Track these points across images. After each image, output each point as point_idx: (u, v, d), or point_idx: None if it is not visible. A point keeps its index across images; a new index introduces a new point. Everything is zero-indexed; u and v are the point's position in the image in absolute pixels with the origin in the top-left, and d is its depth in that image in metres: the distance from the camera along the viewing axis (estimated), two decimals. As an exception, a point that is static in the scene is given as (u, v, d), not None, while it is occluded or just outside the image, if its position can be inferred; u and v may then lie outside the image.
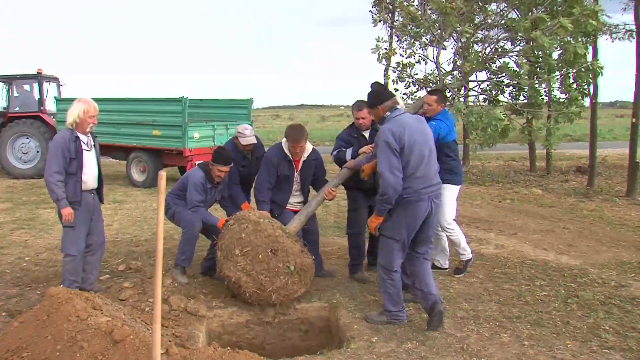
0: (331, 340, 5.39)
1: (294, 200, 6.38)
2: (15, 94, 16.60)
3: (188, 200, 6.05)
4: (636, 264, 7.15)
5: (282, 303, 5.40)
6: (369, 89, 5.18)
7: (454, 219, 6.53)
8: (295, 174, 6.22)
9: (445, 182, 5.85)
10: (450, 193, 6.38)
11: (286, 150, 6.09)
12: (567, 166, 18.17)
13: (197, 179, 6.04)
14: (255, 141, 6.48)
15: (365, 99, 5.33)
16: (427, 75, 7.09)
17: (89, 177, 5.54)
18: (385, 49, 7.42)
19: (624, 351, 4.64)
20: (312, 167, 6.25)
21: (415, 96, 7.43)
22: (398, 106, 5.06)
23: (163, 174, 3.08)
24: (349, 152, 6.12)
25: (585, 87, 6.97)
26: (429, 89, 6.86)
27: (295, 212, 6.20)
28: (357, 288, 6.15)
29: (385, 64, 9.90)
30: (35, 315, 4.01)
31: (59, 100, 15.92)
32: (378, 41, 7.24)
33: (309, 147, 6.18)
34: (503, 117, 6.33)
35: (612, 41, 17.84)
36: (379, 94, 5.10)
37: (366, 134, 6.32)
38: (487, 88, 7.07)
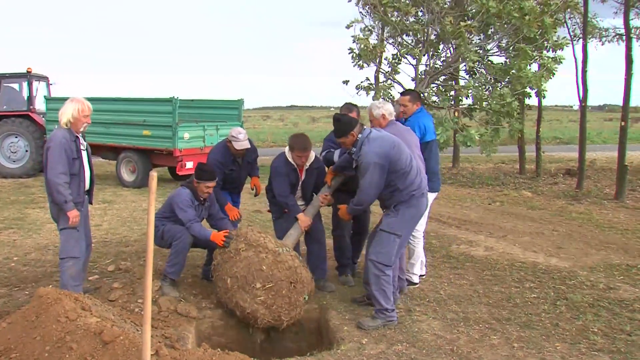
0: (321, 342, 5.38)
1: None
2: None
3: (183, 220, 5.74)
4: (624, 267, 7.19)
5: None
6: (336, 122, 5.32)
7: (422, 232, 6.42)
8: (299, 183, 6.21)
9: None
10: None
11: (290, 160, 6.04)
12: (556, 169, 18.25)
13: (185, 196, 5.82)
14: (249, 146, 6.39)
15: (337, 126, 5.34)
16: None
17: (86, 177, 5.51)
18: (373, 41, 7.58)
19: (612, 353, 4.67)
20: (314, 176, 6.20)
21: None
22: (365, 127, 5.28)
23: (154, 174, 3.07)
24: (336, 153, 6.12)
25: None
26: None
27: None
28: (347, 290, 6.16)
29: (377, 61, 9.92)
30: (24, 316, 3.97)
31: (48, 99, 15.82)
32: (353, 23, 7.51)
33: (311, 156, 6.15)
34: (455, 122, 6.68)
35: (602, 44, 18.00)
36: (348, 122, 5.24)
37: None
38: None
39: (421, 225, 6.19)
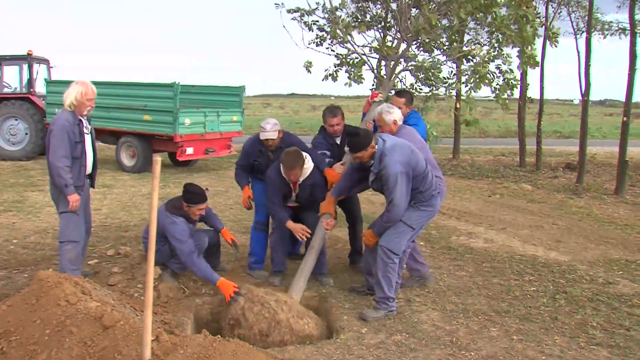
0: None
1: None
2: None
3: (183, 253, 5.36)
4: (624, 262, 7.19)
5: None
6: (353, 136, 5.17)
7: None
8: (293, 195, 6.01)
9: None
10: None
11: (283, 172, 5.77)
12: (556, 162, 18.25)
13: (181, 227, 5.46)
14: (273, 137, 5.97)
15: (351, 141, 5.18)
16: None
17: (87, 161, 5.48)
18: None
19: (611, 347, 4.68)
20: (307, 191, 5.93)
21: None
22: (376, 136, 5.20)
23: (158, 158, 3.05)
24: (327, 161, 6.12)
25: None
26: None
27: (292, 207, 6.10)
28: (347, 279, 6.16)
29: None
30: (24, 299, 3.96)
31: (48, 82, 15.76)
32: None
33: (305, 172, 5.80)
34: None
35: (604, 37, 17.94)
36: (367, 135, 5.11)
37: (338, 140, 6.32)
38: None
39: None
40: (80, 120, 5.34)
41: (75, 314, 3.74)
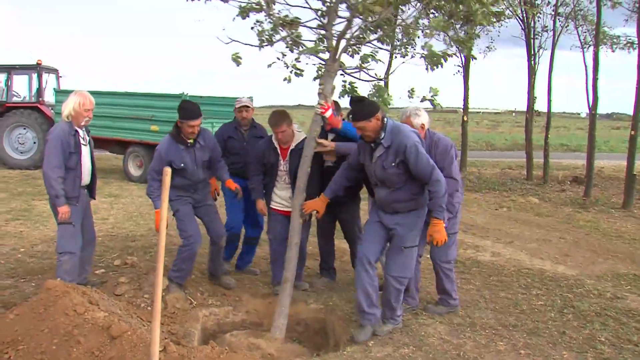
0: (327, 343, 5.36)
1: (285, 194, 5.90)
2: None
3: (149, 177, 5.67)
4: (632, 277, 7.15)
5: None
6: (357, 102, 4.75)
7: None
8: (282, 163, 5.85)
9: None
10: None
11: (274, 140, 5.83)
12: (563, 176, 18.19)
13: (160, 146, 5.68)
14: (249, 104, 6.40)
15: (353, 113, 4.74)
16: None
17: (85, 172, 5.48)
18: None
19: (619, 363, 4.65)
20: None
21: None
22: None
23: (168, 169, 3.08)
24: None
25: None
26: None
27: (287, 213, 5.72)
28: (354, 291, 6.13)
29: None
30: (32, 308, 3.98)
31: (57, 91, 15.86)
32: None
33: (298, 136, 5.77)
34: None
35: (612, 51, 17.96)
36: (372, 104, 4.77)
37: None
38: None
39: None
40: (77, 131, 5.34)
41: (83, 324, 3.75)
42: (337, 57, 4.98)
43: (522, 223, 10.66)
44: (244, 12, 5.03)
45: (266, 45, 5.15)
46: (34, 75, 16.56)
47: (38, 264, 6.71)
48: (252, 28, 5.12)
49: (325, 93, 5.11)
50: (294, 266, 5.17)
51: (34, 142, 15.85)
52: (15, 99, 16.63)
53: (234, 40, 4.98)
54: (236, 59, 5.25)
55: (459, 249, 8.14)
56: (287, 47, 5.15)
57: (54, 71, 17.14)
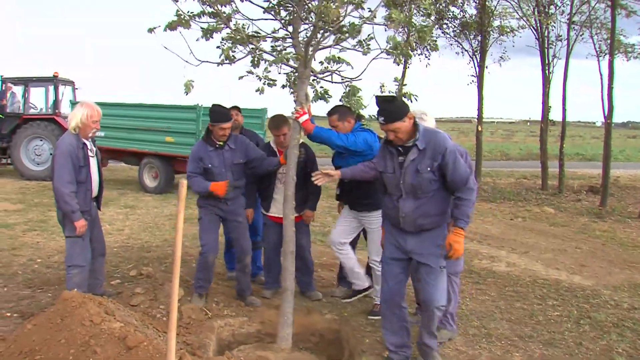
0: (342, 354, 5.35)
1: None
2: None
3: (187, 175, 5.78)
4: (649, 287, 7.09)
5: None
6: (387, 102, 4.30)
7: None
8: (281, 166, 5.78)
9: (374, 209, 5.58)
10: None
11: (273, 145, 6.02)
12: (579, 185, 18.08)
13: (193, 149, 5.82)
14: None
15: (382, 113, 4.29)
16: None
17: (93, 184, 5.45)
18: None
19: (637, 375, 4.61)
20: (300, 165, 5.50)
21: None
22: None
23: (184, 181, 3.10)
24: None
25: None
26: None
27: (281, 221, 5.36)
28: (369, 301, 6.13)
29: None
30: (49, 318, 4.01)
31: (74, 103, 16.02)
32: None
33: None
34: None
35: (627, 60, 17.87)
36: (404, 104, 4.37)
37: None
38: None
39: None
40: (85, 143, 5.31)
41: (100, 334, 3.77)
42: (307, 63, 4.86)
43: (538, 233, 10.60)
44: (207, 34, 4.88)
45: (227, 63, 4.92)
46: (51, 88, 16.77)
47: (55, 275, 6.76)
48: (217, 47, 5.01)
49: (299, 100, 5.04)
50: (291, 275, 5.05)
51: (51, 154, 15.98)
52: (32, 110, 16.88)
53: (203, 62, 4.91)
54: (187, 86, 4.87)
55: (474, 259, 8.15)
56: (251, 63, 5.01)
57: (70, 83, 17.33)
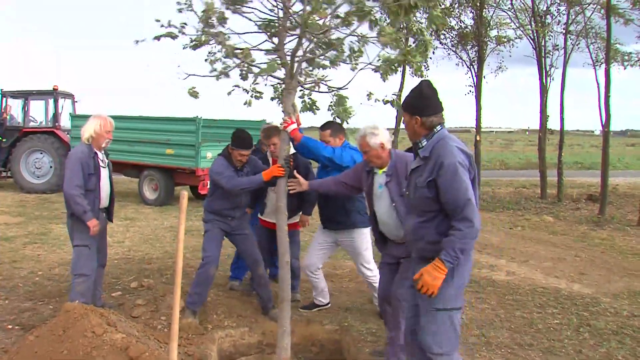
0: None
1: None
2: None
3: (224, 184, 5.55)
4: (648, 294, 7.11)
5: None
6: (419, 92, 3.73)
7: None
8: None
9: (357, 227, 5.71)
10: (367, 239, 5.81)
11: (268, 155, 6.21)
12: (578, 194, 18.11)
13: (218, 163, 5.71)
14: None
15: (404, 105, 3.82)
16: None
17: (103, 194, 5.54)
18: None
19: (637, 382, 4.62)
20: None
21: None
22: None
23: (185, 193, 3.13)
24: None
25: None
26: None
27: (274, 227, 5.29)
28: (370, 311, 6.15)
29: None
30: (51, 330, 4.04)
31: (73, 116, 16.10)
32: None
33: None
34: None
35: (624, 68, 17.96)
36: (436, 97, 3.77)
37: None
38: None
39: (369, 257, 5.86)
40: (96, 153, 5.44)
41: (102, 345, 3.80)
42: (293, 74, 4.79)
43: (537, 242, 10.62)
44: (195, 45, 4.90)
45: (222, 77, 4.90)
46: (51, 101, 16.85)
47: (56, 287, 6.78)
48: (205, 60, 5.03)
49: (287, 110, 4.99)
50: (288, 285, 4.94)
51: (50, 167, 16.06)
52: (32, 124, 16.94)
53: (190, 75, 4.94)
54: (193, 94, 4.97)
55: (473, 268, 8.15)
56: (240, 77, 4.95)
57: (70, 96, 17.40)
